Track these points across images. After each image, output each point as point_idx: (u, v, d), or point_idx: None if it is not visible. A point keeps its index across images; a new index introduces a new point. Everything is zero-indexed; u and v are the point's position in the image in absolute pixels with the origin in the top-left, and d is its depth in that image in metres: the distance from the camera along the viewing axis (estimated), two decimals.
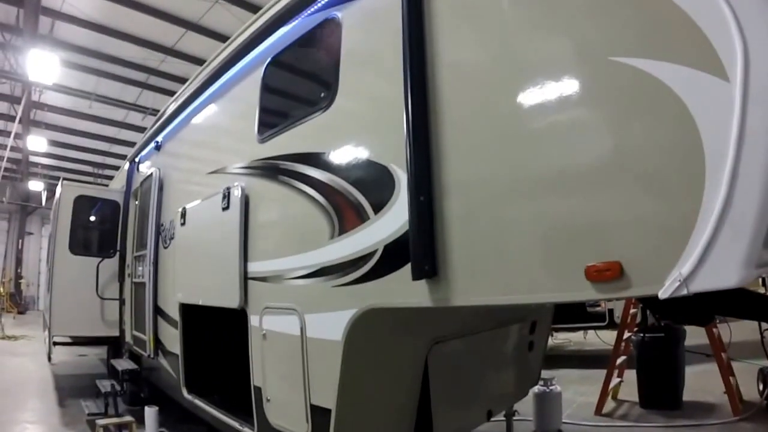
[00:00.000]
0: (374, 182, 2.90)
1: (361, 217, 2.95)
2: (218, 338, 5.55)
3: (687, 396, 7.51)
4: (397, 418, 3.61)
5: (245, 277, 4.03)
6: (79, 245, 8.80)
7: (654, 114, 1.84)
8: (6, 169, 22.75)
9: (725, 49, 1.67)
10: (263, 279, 3.84)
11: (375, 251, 2.85)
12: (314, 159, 3.40)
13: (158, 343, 6.34)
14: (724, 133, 1.65)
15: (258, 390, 3.94)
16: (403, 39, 2.72)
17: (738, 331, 8.10)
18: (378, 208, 2.86)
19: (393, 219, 2.75)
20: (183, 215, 5.33)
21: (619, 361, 7.79)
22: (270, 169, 3.88)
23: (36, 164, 27.10)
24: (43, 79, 14.74)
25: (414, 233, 2.54)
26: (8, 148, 21.47)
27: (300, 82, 4.18)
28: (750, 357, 8.30)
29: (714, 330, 7.19)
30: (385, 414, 3.53)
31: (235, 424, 4.42)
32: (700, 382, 7.95)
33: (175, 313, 5.64)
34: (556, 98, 2.10)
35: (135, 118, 20.16)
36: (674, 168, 1.79)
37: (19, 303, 28.20)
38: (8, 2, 12.98)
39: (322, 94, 3.48)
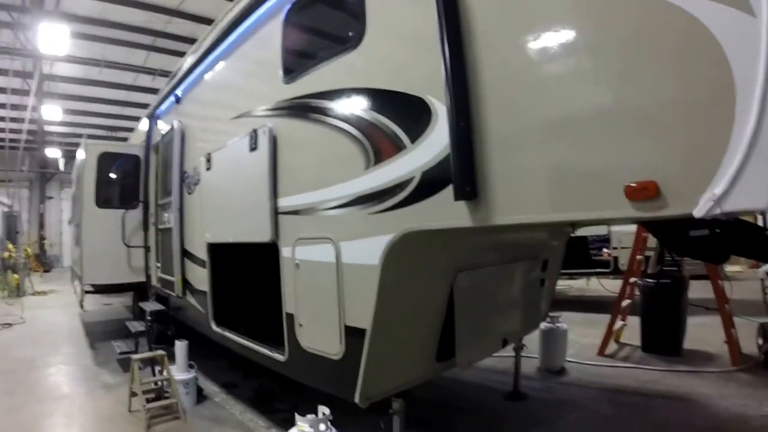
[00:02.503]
0: (410, 113, 2.87)
1: (398, 147, 2.93)
2: (244, 273, 5.60)
3: (687, 344, 7.60)
4: (423, 339, 3.69)
5: (275, 213, 4.03)
6: (105, 199, 8.87)
7: (687, 48, 1.83)
8: (20, 141, 22.57)
9: None
10: (295, 212, 3.84)
11: (412, 178, 2.84)
12: (345, 95, 3.35)
13: (186, 283, 6.42)
14: (753, 65, 1.67)
15: (290, 317, 3.99)
16: None
17: (739, 289, 8.21)
18: (415, 137, 2.84)
19: (430, 147, 2.74)
20: (208, 160, 5.30)
21: (623, 304, 7.87)
22: (297, 108, 3.84)
23: (51, 133, 26.91)
24: (55, 51, 14.52)
25: (455, 157, 2.54)
26: (27, 121, 21.26)
27: (324, 23, 4.09)
28: (750, 315, 8.39)
29: (719, 282, 7.22)
30: (413, 335, 3.60)
31: (265, 350, 4.49)
32: (701, 333, 8.04)
33: (202, 254, 5.69)
34: (594, 24, 2.08)
35: (144, 80, 19.86)
36: (707, 97, 1.79)
37: (44, 262, 28.45)
38: None
39: (350, 33, 3.40)
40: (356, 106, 3.25)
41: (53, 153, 28.25)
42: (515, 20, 2.37)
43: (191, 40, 16.32)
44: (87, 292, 9.20)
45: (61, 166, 29.32)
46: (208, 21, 15.17)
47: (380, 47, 3.17)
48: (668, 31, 1.88)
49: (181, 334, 6.33)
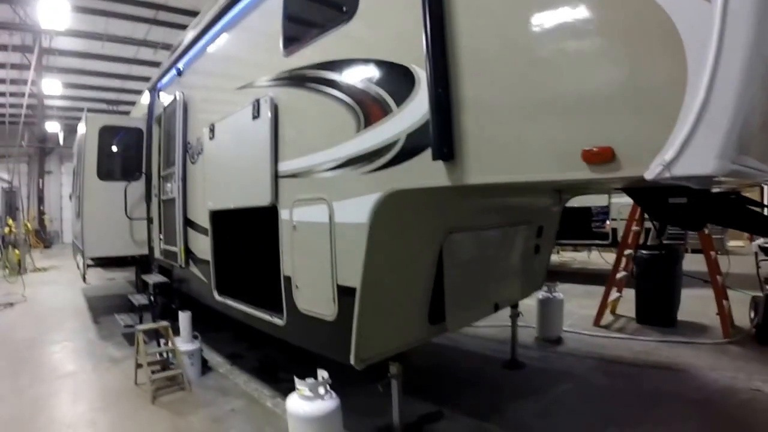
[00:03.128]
0: (396, 80, 3.15)
1: (385, 110, 3.22)
2: (246, 241, 5.91)
3: (682, 316, 7.88)
4: (415, 300, 3.99)
5: (276, 176, 4.34)
6: (106, 171, 9.13)
7: (644, 25, 2.05)
8: (19, 115, 22.83)
9: None
10: (293, 176, 4.14)
11: (398, 140, 3.13)
12: (340, 65, 3.62)
13: (189, 253, 6.75)
14: (705, 45, 1.87)
15: (288, 279, 4.31)
16: None
17: (740, 263, 8.44)
18: (399, 101, 3.12)
19: (413, 111, 3.02)
20: (212, 130, 5.59)
21: (618, 276, 8.16)
22: (297, 79, 4.12)
23: (51, 107, 27.18)
24: (55, 25, 14.69)
25: (433, 120, 2.82)
26: (26, 95, 21.51)
27: None
28: (746, 288, 8.62)
29: (712, 254, 7.47)
30: (404, 295, 3.89)
31: (265, 315, 4.80)
32: (696, 305, 8.29)
33: (205, 222, 6.01)
34: (563, 8, 2.30)
35: (146, 53, 20.12)
36: (661, 72, 2.02)
37: (44, 238, 28.85)
38: None
39: (345, 6, 3.66)
40: (349, 75, 3.53)
41: (53, 127, 28.51)
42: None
43: (192, 13, 16.53)
44: (89, 265, 9.50)
45: (61, 140, 29.63)
46: None
47: (371, 19, 3.44)
48: (627, 12, 2.11)
49: (185, 306, 6.60)
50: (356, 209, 3.43)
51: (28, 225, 23.17)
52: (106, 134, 9.11)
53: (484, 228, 4.48)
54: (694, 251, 8.09)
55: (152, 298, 7.84)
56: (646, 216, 7.89)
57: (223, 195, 5.43)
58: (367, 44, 3.45)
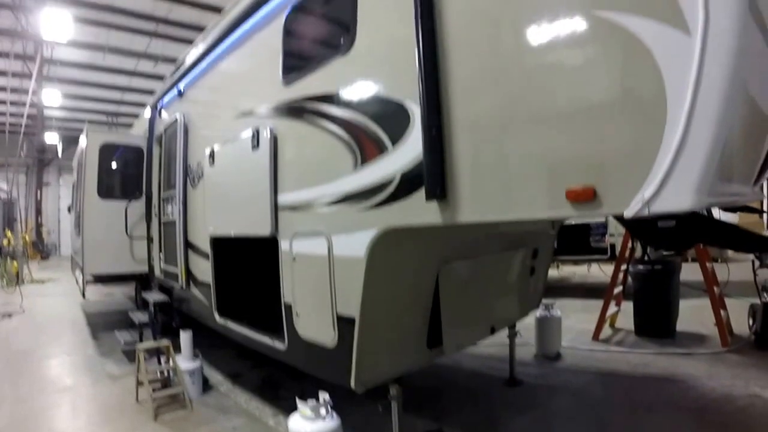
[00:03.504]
0: (392, 118, 3.26)
1: (381, 149, 3.34)
2: (245, 265, 6.01)
3: (681, 327, 7.99)
4: (412, 327, 4.11)
5: (275, 208, 4.46)
6: (107, 189, 9.21)
7: (626, 60, 2.17)
8: (19, 125, 22.98)
9: (689, 6, 1.97)
10: (293, 208, 4.26)
11: (393, 178, 3.25)
12: (337, 99, 3.75)
13: (190, 275, 6.85)
14: (684, 80, 1.98)
15: (288, 307, 4.42)
16: None
17: (740, 270, 8.53)
18: (395, 140, 3.23)
19: (409, 150, 3.14)
20: (212, 156, 5.71)
21: (616, 290, 8.27)
22: (296, 110, 4.24)
23: (50, 118, 27.33)
24: (57, 37, 14.86)
25: (427, 161, 2.94)
26: (28, 105, 21.67)
27: (321, 29, 4.47)
28: (745, 295, 8.73)
29: (708, 265, 7.57)
30: (402, 323, 4.01)
31: (266, 339, 4.92)
32: (694, 315, 8.43)
33: (205, 246, 6.11)
34: (546, 44, 2.43)
35: (146, 66, 20.30)
36: (640, 108, 2.14)
37: (41, 250, 28.97)
38: None
39: (342, 40, 3.78)
40: (346, 109, 3.65)
41: (52, 138, 28.60)
42: (483, 44, 2.76)
43: (193, 27, 16.74)
44: (89, 281, 9.55)
45: (60, 152, 29.76)
46: (209, 8, 15.59)
47: (368, 54, 3.56)
48: (608, 49, 2.23)
49: (185, 324, 6.70)
50: (354, 244, 3.55)
51: (26, 237, 23.27)
52: (107, 151, 9.21)
53: (479, 255, 4.60)
54: (694, 260, 8.17)
55: (153, 315, 7.94)
56: None
57: (224, 222, 5.54)
58: (362, 78, 3.56)
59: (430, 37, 2.95)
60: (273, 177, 4.45)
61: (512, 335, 6.18)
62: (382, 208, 3.34)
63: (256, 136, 4.65)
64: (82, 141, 9.65)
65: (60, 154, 29.92)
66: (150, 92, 21.76)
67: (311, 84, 4.07)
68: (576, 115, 2.32)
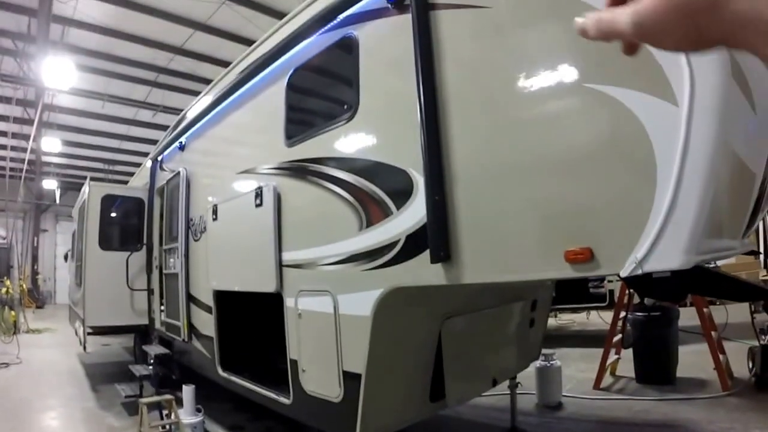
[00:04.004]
0: (395, 183, 3.44)
1: (386, 212, 3.51)
2: (249, 320, 6.08)
3: (681, 372, 7.96)
4: (416, 381, 4.19)
5: (280, 265, 4.57)
6: (108, 241, 9.33)
7: (617, 130, 2.37)
8: (20, 170, 23.14)
9: (676, 79, 2.15)
10: (297, 266, 4.38)
11: (398, 240, 3.41)
12: (342, 162, 3.93)
13: (192, 328, 6.90)
14: (672, 148, 2.15)
15: (294, 362, 4.50)
16: (415, 62, 3.25)
17: (734, 312, 8.58)
18: (400, 204, 3.41)
19: (412, 214, 3.31)
20: (215, 211, 5.85)
21: (615, 338, 8.29)
22: (299, 171, 4.41)
23: (49, 164, 27.51)
24: (59, 84, 15.16)
25: (431, 226, 3.12)
26: (28, 150, 21.86)
27: (323, 94, 4.70)
28: (745, 337, 8.71)
29: (705, 310, 7.61)
30: (406, 378, 4.11)
31: (271, 394, 4.96)
32: (694, 360, 8.39)
33: (208, 300, 6.19)
34: (542, 116, 2.66)
35: (145, 115, 20.58)
36: (633, 173, 2.32)
37: (37, 298, 28.61)
38: (20, 12, 13.44)
39: (346, 107, 4.00)
40: (351, 173, 3.82)
41: (50, 184, 28.71)
42: (482, 116, 2.99)
43: (193, 77, 17.06)
44: (89, 333, 9.57)
45: (57, 198, 29.78)
46: (209, 59, 15.94)
47: (370, 121, 3.76)
48: (601, 121, 2.43)
49: (185, 377, 6.72)
50: (360, 302, 3.67)
51: (23, 284, 23.17)
52: (108, 203, 9.35)
53: (479, 309, 4.70)
54: (692, 304, 8.24)
55: (154, 368, 7.95)
56: None
57: (227, 276, 5.65)
58: (367, 145, 3.76)
59: (432, 110, 3.15)
60: (277, 235, 4.58)
61: (513, 386, 6.21)
62: (388, 268, 3.48)
63: (259, 195, 4.80)
64: (84, 192, 9.76)
65: (58, 200, 29.96)
66: (147, 141, 22.17)
67: (315, 147, 4.25)
68: (571, 180, 2.51)
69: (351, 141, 3.90)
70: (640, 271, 2.24)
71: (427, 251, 3.15)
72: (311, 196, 4.25)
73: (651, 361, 7.95)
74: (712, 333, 7.57)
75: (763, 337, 7.40)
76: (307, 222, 4.39)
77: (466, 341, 4.56)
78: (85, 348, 9.72)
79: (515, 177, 2.77)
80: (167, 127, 9.44)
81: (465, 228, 3.01)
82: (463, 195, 3.02)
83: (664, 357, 7.88)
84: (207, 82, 14.52)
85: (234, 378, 5.73)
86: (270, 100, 4.99)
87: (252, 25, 13.54)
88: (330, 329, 3.97)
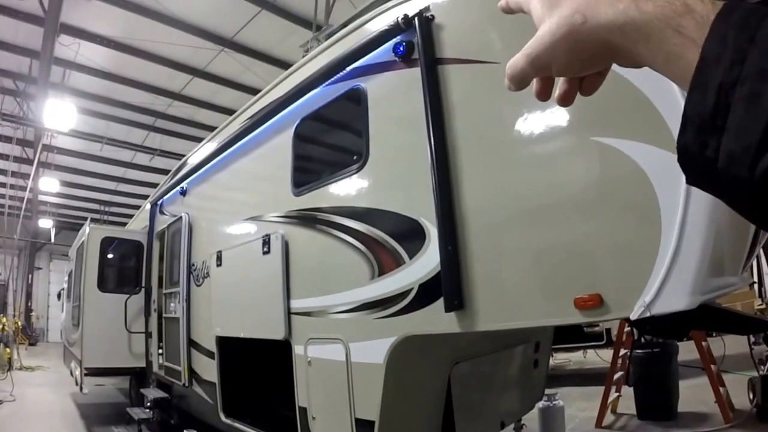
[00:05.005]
0: (408, 232, 3.42)
1: (398, 261, 3.47)
2: (253, 365, 5.91)
3: (681, 407, 7.83)
4: (426, 427, 4.06)
5: (288, 313, 4.47)
6: (107, 283, 9.21)
7: (621, 181, 2.40)
8: (17, 208, 22.93)
9: (676, 127, 2.12)
10: (307, 314, 4.29)
11: (411, 289, 3.36)
12: (352, 212, 3.89)
13: (192, 373, 6.70)
14: (675, 193, 2.18)
15: (303, 410, 4.37)
16: (426, 114, 3.26)
17: (732, 344, 8.42)
18: (412, 253, 3.37)
19: (425, 262, 3.28)
20: (219, 258, 5.75)
21: (616, 376, 8.13)
22: (308, 219, 4.37)
23: (45, 203, 27.30)
24: (58, 126, 15.13)
25: (445, 275, 3.08)
26: (28, 189, 21.67)
27: (331, 144, 4.70)
28: (743, 369, 8.54)
29: (703, 344, 7.53)
30: (417, 424, 4.01)
31: None
32: (694, 393, 8.27)
33: (210, 345, 6.04)
34: (548, 166, 2.70)
35: (142, 158, 20.51)
36: (637, 222, 2.36)
37: (30, 335, 28.12)
38: (22, 54, 13.42)
39: (355, 157, 3.97)
40: (362, 222, 3.79)
41: (45, 223, 28.48)
42: (492, 166, 3.01)
43: (190, 122, 17.08)
44: (86, 374, 9.28)
45: (53, 237, 29.45)
46: (207, 105, 15.98)
47: (381, 172, 3.75)
48: (607, 170, 2.46)
49: (184, 422, 6.51)
50: (373, 351, 3.60)
51: (18, 321, 22.77)
52: (107, 246, 9.26)
53: (486, 353, 4.62)
54: (688, 338, 8.14)
55: (152, 413, 7.73)
56: None
57: (232, 323, 5.54)
58: (378, 195, 3.74)
59: (443, 161, 3.15)
60: (285, 283, 4.49)
61: (518, 428, 6.09)
62: (401, 317, 3.42)
63: (267, 242, 4.73)
64: (84, 233, 9.67)
65: (53, 239, 29.71)
66: (145, 184, 22.15)
67: (324, 196, 4.21)
68: (578, 228, 2.54)
69: (361, 191, 3.88)
70: (648, 314, 2.25)
71: (441, 300, 3.11)
72: (321, 245, 4.20)
73: (652, 397, 7.83)
74: (712, 366, 7.47)
75: (762, 367, 7.36)
76: (316, 270, 4.32)
77: (475, 385, 4.48)
78: (81, 389, 9.42)
79: (523, 226, 2.80)
80: (164, 170, 9.43)
81: (477, 276, 2.98)
82: (475, 244, 3.00)
83: (665, 392, 7.76)
84: (205, 127, 14.52)
85: (237, 424, 5.55)
86: (277, 149, 4.97)
87: (250, 72, 13.60)
88: (342, 377, 3.86)
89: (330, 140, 4.76)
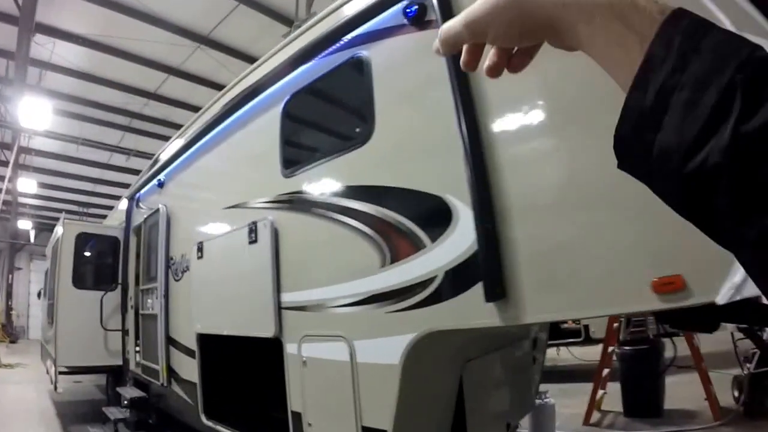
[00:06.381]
0: (428, 212, 2.74)
1: (416, 246, 2.76)
2: (238, 363, 5.14)
3: (666, 405, 7.44)
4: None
5: (279, 307, 3.70)
6: (82, 279, 8.38)
7: None
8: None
9: None
10: (300, 308, 3.53)
11: (434, 277, 2.65)
12: (355, 191, 3.17)
13: (171, 372, 5.86)
14: None
15: (296, 415, 3.60)
16: (450, 78, 2.60)
17: (706, 342, 8.10)
18: (434, 236, 2.67)
19: (452, 246, 2.59)
20: (200, 249, 4.95)
21: (603, 373, 7.68)
22: (301, 203, 3.63)
23: (24, 204, 26.02)
24: (35, 126, 14.17)
25: (485, 259, 2.40)
26: (3, 191, 20.43)
27: (327, 119, 3.98)
28: (720, 367, 8.06)
29: (694, 341, 7.19)
30: (429, 428, 3.28)
31: None
32: (675, 391, 7.82)
33: (190, 343, 5.22)
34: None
35: (118, 159, 19.47)
36: None
37: (10, 333, 27.04)
38: None
39: (357, 130, 3.29)
40: (367, 203, 3.08)
41: (24, 224, 27.53)
42: (539, 135, 2.34)
43: (165, 123, 16.17)
44: (61, 372, 8.49)
45: (32, 238, 28.56)
46: (183, 105, 15.09)
47: (391, 145, 3.04)
48: None
49: (163, 422, 5.75)
50: (385, 349, 2.89)
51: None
52: (83, 241, 8.45)
53: (495, 349, 3.96)
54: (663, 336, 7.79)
55: (129, 412, 6.90)
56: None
57: (215, 320, 4.72)
58: (387, 171, 3.02)
59: (473, 129, 2.48)
60: (275, 274, 3.72)
61: (514, 428, 5.45)
62: (421, 310, 2.71)
63: (254, 230, 3.96)
64: (58, 230, 8.83)
65: (32, 240, 28.46)
66: (121, 185, 20.90)
67: (319, 176, 3.49)
68: (656, 205, 1.80)
69: (366, 167, 3.16)
70: (738, 297, 1.75)
71: (473, 288, 2.44)
72: (317, 231, 3.46)
73: (640, 393, 7.38)
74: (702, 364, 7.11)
75: (747, 365, 6.96)
76: (312, 260, 3.56)
77: (486, 385, 3.83)
78: (56, 387, 8.59)
79: (586, 193, 2.13)
80: (140, 171, 8.59)
81: (524, 260, 2.30)
82: (521, 222, 2.33)
83: (653, 389, 7.33)
84: (179, 127, 13.66)
85: (220, 427, 4.75)
86: (262, 129, 4.24)
87: (226, 70, 12.66)
88: (345, 379, 3.12)
89: (325, 115, 4.01)
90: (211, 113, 5.16)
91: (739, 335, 7.24)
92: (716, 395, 7.05)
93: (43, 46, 11.71)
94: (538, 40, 0.61)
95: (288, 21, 10.31)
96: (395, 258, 2.86)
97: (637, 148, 0.50)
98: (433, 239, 2.67)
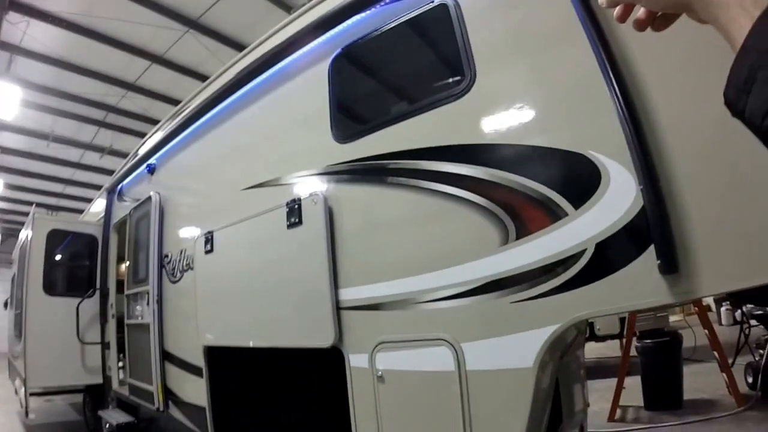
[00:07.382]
0: (567, 172, 2.17)
1: (554, 215, 2.15)
2: (260, 385, 4.33)
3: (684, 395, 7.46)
4: None
5: (338, 307, 2.94)
6: (54, 285, 7.41)
7: None
8: None
9: None
10: (372, 307, 2.78)
11: (583, 251, 2.06)
12: (457, 153, 2.52)
13: (169, 394, 4.98)
14: None
15: None
16: (581, 18, 2.16)
17: (701, 333, 8.09)
18: (579, 201, 2.08)
19: (605, 211, 2.02)
20: (209, 241, 4.13)
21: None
22: (367, 173, 2.93)
23: None
24: (2, 113, 13.22)
25: (656, 223, 1.89)
26: None
27: (400, 70, 3.34)
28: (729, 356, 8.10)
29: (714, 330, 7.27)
30: None
31: None
32: (690, 382, 7.75)
33: (195, 359, 4.36)
34: None
35: (91, 158, 18.42)
36: None
37: None
38: None
39: (451, 80, 2.66)
40: (476, 165, 2.42)
41: None
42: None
43: (143, 117, 15.22)
44: (32, 394, 7.47)
45: None
46: (163, 98, 14.24)
47: (503, 95, 2.43)
48: None
49: None
50: (512, 351, 2.25)
51: None
52: (56, 240, 7.47)
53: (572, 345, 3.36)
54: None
55: None
56: None
57: (232, 328, 3.89)
58: (503, 126, 2.39)
59: (612, 61, 2.03)
60: (332, 264, 2.96)
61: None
62: (566, 293, 2.10)
63: (296, 210, 3.19)
64: (27, 227, 7.82)
65: None
66: (93, 186, 19.77)
67: (395, 137, 2.82)
68: None
69: (467, 122, 2.50)
70: None
71: (640, 259, 1.92)
72: (395, 205, 2.76)
73: (661, 386, 7.36)
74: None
75: (761, 351, 7.31)
76: (387, 243, 2.81)
77: (574, 383, 3.37)
78: (27, 413, 7.53)
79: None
80: (114, 171, 7.76)
81: (699, 219, 1.84)
82: (696, 177, 1.88)
83: (672, 382, 7.34)
84: (157, 123, 12.75)
85: None
86: (303, 90, 3.55)
87: (215, 59, 11.78)
88: (447, 396, 2.41)
89: (396, 66, 3.32)
90: (224, 80, 4.40)
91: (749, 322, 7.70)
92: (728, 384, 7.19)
93: (15, 26, 10.72)
94: (677, 11, 0.78)
95: (286, 6, 9.86)
96: (522, 232, 2.22)
97: (736, 106, 0.64)
98: (577, 205, 2.08)
